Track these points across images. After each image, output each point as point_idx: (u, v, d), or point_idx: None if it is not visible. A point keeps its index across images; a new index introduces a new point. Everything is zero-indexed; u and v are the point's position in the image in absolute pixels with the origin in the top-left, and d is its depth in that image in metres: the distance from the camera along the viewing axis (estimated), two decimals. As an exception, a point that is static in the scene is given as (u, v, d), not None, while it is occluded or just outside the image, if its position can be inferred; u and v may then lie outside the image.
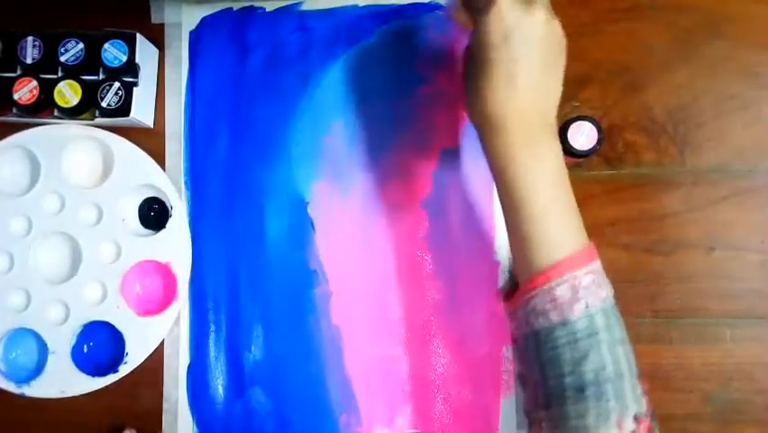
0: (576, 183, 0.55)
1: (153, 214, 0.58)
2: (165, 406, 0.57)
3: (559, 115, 0.55)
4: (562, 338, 0.41)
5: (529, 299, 0.42)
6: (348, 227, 0.56)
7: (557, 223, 0.42)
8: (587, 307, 0.41)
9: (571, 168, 0.55)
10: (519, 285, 0.44)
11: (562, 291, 0.41)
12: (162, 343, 0.57)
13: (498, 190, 0.44)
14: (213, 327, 0.57)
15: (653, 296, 0.54)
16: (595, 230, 0.54)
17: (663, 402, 0.53)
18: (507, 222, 0.44)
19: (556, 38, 0.42)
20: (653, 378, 0.54)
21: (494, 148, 0.43)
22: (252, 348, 0.56)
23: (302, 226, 0.57)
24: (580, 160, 0.52)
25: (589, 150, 0.49)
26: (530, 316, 0.43)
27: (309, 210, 0.57)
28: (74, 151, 0.57)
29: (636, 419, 0.40)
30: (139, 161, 0.57)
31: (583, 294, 0.41)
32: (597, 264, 0.42)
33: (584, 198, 0.54)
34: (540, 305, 0.42)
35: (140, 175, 0.57)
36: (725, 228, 0.54)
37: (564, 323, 0.41)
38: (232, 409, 0.56)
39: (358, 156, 0.57)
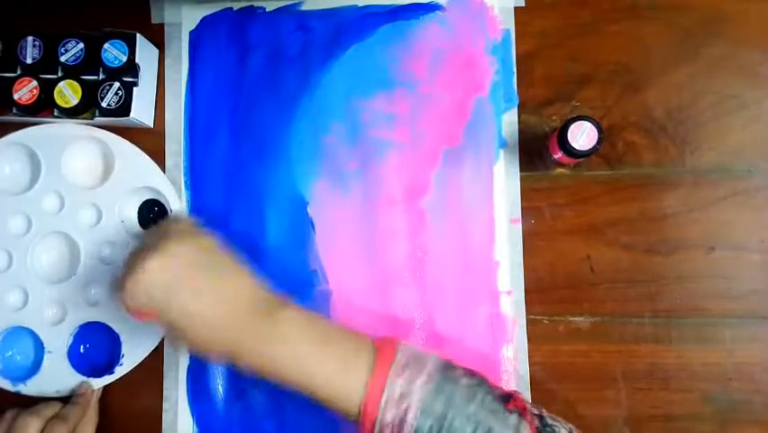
0: (576, 183, 0.55)
1: (153, 216, 0.58)
2: (165, 406, 0.57)
3: (559, 115, 0.56)
4: None
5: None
6: (348, 227, 0.56)
7: (336, 373, 0.43)
8: (418, 404, 0.41)
9: (571, 168, 0.55)
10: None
11: (388, 417, 0.41)
12: (162, 343, 0.57)
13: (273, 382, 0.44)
14: (213, 327, 0.57)
15: (653, 296, 0.54)
16: (595, 230, 0.55)
17: (663, 402, 0.53)
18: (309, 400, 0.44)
19: (188, 254, 0.44)
20: (653, 378, 0.54)
21: (245, 366, 0.44)
22: (252, 348, 0.56)
23: (302, 226, 0.57)
24: (580, 160, 0.52)
25: (589, 150, 0.49)
26: None
27: (309, 210, 0.57)
28: (75, 151, 0.57)
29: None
30: (139, 162, 0.57)
31: (406, 400, 0.41)
32: (397, 360, 0.43)
33: (584, 198, 0.55)
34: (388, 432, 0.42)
35: (140, 177, 0.57)
36: (725, 228, 0.54)
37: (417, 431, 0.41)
38: (232, 410, 0.56)
39: (358, 156, 0.57)
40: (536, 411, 0.43)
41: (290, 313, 0.45)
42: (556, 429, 0.42)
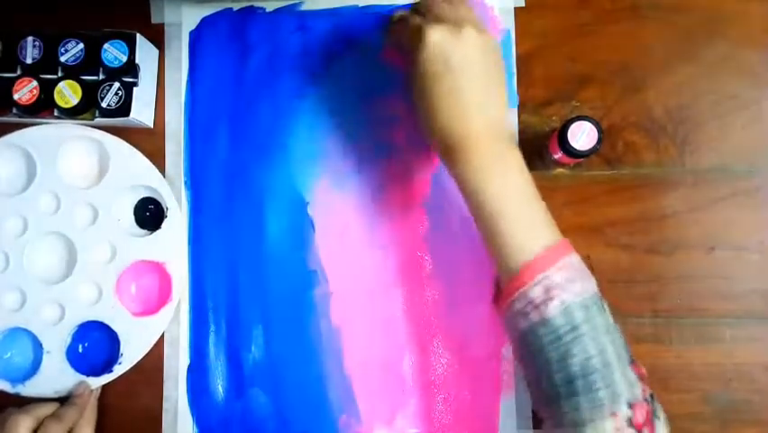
0: (576, 183, 0.55)
1: (149, 214, 0.58)
2: (165, 406, 0.57)
3: (559, 115, 0.56)
4: (546, 337, 0.42)
5: (510, 303, 0.44)
6: (348, 227, 0.56)
7: (525, 228, 0.44)
8: (562, 303, 0.42)
9: (571, 168, 0.55)
10: (503, 291, 0.45)
11: (536, 293, 0.42)
12: (162, 342, 0.57)
13: (466, 204, 0.46)
14: (213, 327, 0.57)
15: (653, 296, 0.54)
16: (595, 230, 0.55)
17: (663, 402, 0.53)
18: (479, 232, 0.46)
19: (491, 50, 0.45)
20: (653, 378, 0.53)
21: (455, 168, 0.45)
22: (252, 348, 0.56)
23: (302, 226, 0.57)
24: (581, 160, 0.52)
25: (589, 150, 0.49)
26: (514, 319, 0.44)
27: (309, 210, 0.57)
28: (70, 150, 0.57)
29: (631, 405, 0.40)
30: (135, 161, 0.57)
31: (557, 292, 0.42)
32: (569, 259, 0.44)
33: (584, 198, 0.55)
34: (520, 308, 0.43)
35: (135, 175, 0.57)
36: (725, 228, 0.54)
37: (544, 322, 0.42)
38: (232, 410, 0.56)
39: (358, 156, 0.57)
40: (649, 390, 0.43)
41: (518, 156, 0.45)
42: (658, 412, 0.43)
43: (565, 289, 0.42)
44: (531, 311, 0.42)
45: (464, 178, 0.44)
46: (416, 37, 0.44)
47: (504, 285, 0.45)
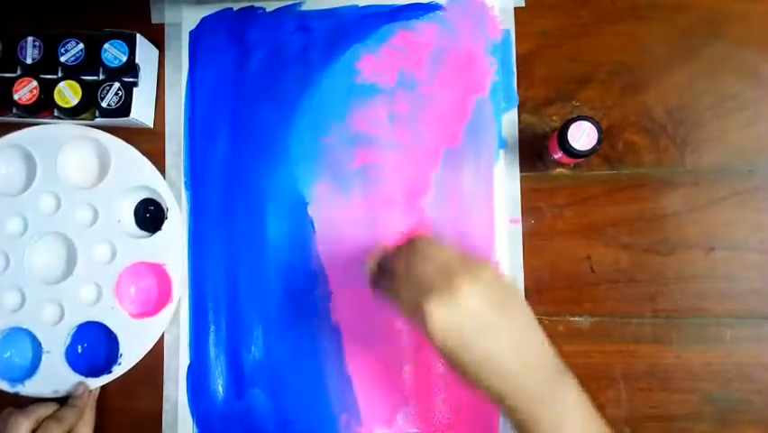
0: (576, 183, 0.55)
1: (149, 215, 0.58)
2: (165, 406, 0.57)
3: (559, 115, 0.56)
4: None
5: None
6: (348, 227, 0.56)
7: None
8: None
9: (571, 168, 0.55)
10: None
11: None
12: (162, 343, 0.57)
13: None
14: (213, 327, 0.57)
15: (653, 296, 0.54)
16: (595, 230, 0.55)
17: (663, 402, 0.53)
18: None
19: (492, 283, 0.41)
20: (652, 378, 0.54)
21: (511, 420, 0.41)
22: (252, 348, 0.56)
23: (302, 227, 0.57)
24: (581, 160, 0.52)
25: (589, 150, 0.49)
26: None
27: (309, 210, 0.57)
28: (70, 151, 0.57)
29: None
30: (135, 162, 0.57)
31: None
32: None
33: (584, 198, 0.55)
34: None
35: (136, 176, 0.57)
36: (725, 228, 0.54)
37: None
38: (232, 410, 0.56)
39: (358, 156, 0.57)
40: None
41: (575, 391, 0.41)
42: None
43: None
44: None
45: (524, 426, 0.40)
46: (415, 313, 0.40)
47: None
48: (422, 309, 0.39)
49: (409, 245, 0.45)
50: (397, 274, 0.44)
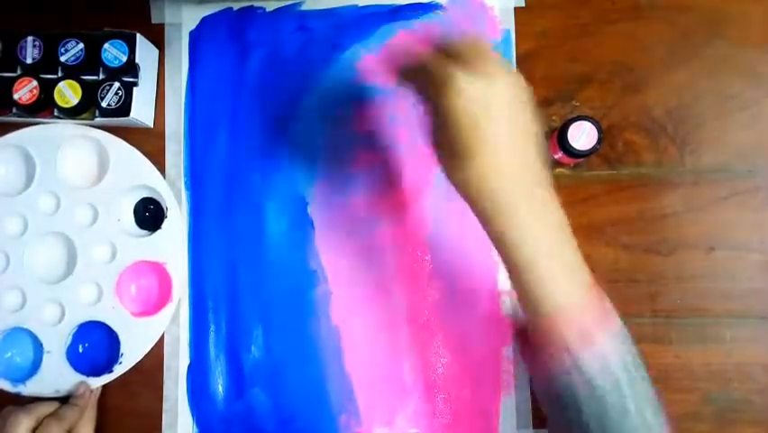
0: (576, 183, 0.55)
1: (149, 214, 0.58)
2: (165, 406, 0.57)
3: (559, 115, 0.56)
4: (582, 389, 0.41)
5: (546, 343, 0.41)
6: (348, 227, 0.56)
7: (561, 269, 0.41)
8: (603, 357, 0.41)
9: (571, 168, 0.55)
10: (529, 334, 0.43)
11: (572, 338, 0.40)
12: (162, 342, 0.57)
13: (498, 248, 0.42)
14: (213, 327, 0.57)
15: (653, 296, 0.54)
16: (595, 230, 0.55)
17: (663, 402, 0.53)
18: (509, 273, 0.43)
19: (521, 90, 0.41)
20: (653, 378, 0.53)
21: (491, 209, 0.42)
22: (252, 348, 0.56)
23: (302, 226, 0.57)
24: (580, 160, 0.52)
25: (589, 150, 0.49)
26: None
27: (309, 210, 0.57)
28: (69, 150, 0.57)
29: None
30: (134, 161, 0.57)
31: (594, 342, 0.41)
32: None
33: (584, 198, 0.55)
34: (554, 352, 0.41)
35: (135, 175, 0.57)
36: (725, 228, 0.54)
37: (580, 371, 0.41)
38: (232, 410, 0.56)
39: (358, 156, 0.57)
40: None
41: (552, 191, 0.43)
42: None
43: (604, 339, 0.41)
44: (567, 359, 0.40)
45: (501, 220, 0.41)
46: (445, 84, 0.40)
47: (528, 328, 0.43)
48: (453, 77, 0.39)
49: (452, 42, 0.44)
50: (434, 48, 0.43)
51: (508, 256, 0.42)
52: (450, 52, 0.41)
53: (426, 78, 0.42)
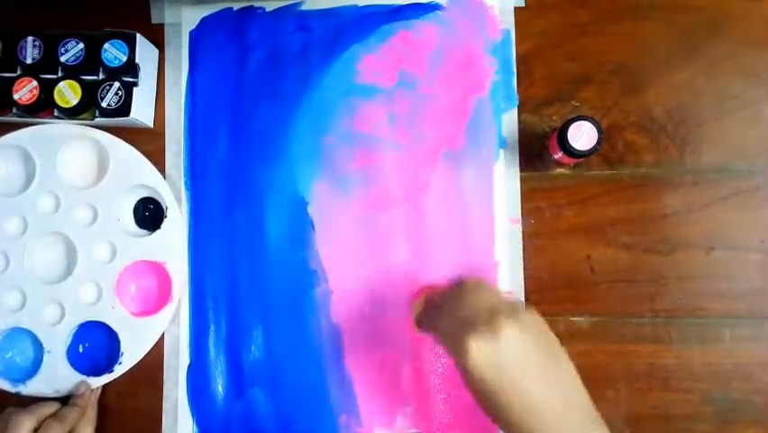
0: (576, 183, 0.55)
1: (148, 214, 0.58)
2: (165, 406, 0.57)
3: (559, 115, 0.56)
4: None
5: None
6: (348, 227, 0.56)
7: None
8: None
9: (571, 168, 0.55)
10: None
11: None
12: (162, 342, 0.57)
13: None
14: (213, 327, 0.57)
15: (653, 296, 0.54)
16: (595, 230, 0.55)
17: (663, 402, 0.53)
18: None
19: (535, 330, 0.42)
20: (653, 378, 0.54)
21: None
22: (252, 348, 0.56)
23: (302, 226, 0.57)
24: (580, 160, 0.52)
25: (589, 150, 0.49)
26: None
27: (309, 210, 0.57)
28: (69, 150, 0.57)
29: None
30: (134, 161, 0.57)
31: None
32: None
33: (584, 198, 0.55)
34: None
35: (135, 175, 0.57)
36: (725, 228, 0.54)
37: None
38: (232, 410, 0.56)
39: (358, 156, 0.57)
40: None
41: (602, 425, 0.41)
42: None
43: None
44: None
45: None
46: (457, 346, 0.41)
47: None
48: (464, 344, 0.40)
49: (459, 284, 0.46)
50: (443, 310, 0.45)
51: None
52: (462, 321, 0.42)
53: (440, 339, 0.44)
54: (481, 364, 0.40)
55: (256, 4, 0.59)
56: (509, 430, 0.41)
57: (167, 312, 0.56)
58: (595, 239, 0.55)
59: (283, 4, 0.58)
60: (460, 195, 0.56)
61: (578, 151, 0.49)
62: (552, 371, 0.41)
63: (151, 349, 0.56)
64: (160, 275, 0.57)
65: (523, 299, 0.55)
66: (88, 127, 0.56)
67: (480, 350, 0.40)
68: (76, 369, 0.56)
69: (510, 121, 0.56)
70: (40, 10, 0.59)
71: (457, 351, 0.41)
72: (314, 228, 0.57)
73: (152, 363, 0.57)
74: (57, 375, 0.56)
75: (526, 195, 0.55)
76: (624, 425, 0.53)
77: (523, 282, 0.55)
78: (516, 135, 0.56)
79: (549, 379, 0.41)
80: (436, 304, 0.47)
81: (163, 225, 0.56)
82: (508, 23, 0.56)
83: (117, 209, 0.57)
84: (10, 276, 0.56)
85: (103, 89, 0.55)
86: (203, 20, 0.59)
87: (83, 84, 0.54)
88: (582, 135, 0.50)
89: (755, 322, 0.53)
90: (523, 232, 0.55)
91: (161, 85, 0.59)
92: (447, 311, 0.44)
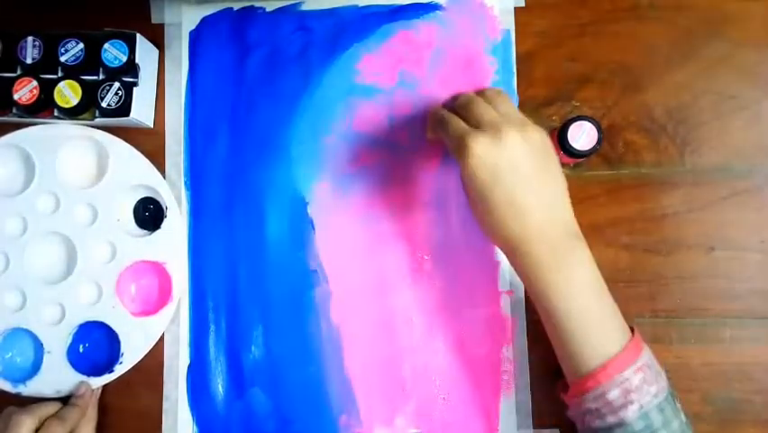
0: (576, 183, 0.55)
1: (148, 214, 0.58)
2: (165, 406, 0.57)
3: (559, 115, 0.56)
4: None
5: (581, 400, 0.43)
6: (348, 227, 0.56)
7: (597, 327, 0.43)
8: (641, 407, 0.41)
9: (571, 168, 0.55)
10: (569, 384, 0.45)
11: (613, 395, 0.41)
12: (162, 342, 0.57)
13: (534, 301, 0.45)
14: (213, 327, 0.57)
15: (653, 296, 0.54)
16: (595, 230, 0.55)
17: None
18: (546, 329, 0.45)
19: (537, 148, 0.44)
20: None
21: (520, 267, 0.45)
22: (252, 348, 0.56)
23: (302, 226, 0.57)
24: (580, 160, 0.52)
25: (589, 150, 0.49)
26: (586, 415, 0.43)
27: (309, 210, 0.57)
28: (69, 150, 0.57)
29: None
30: (134, 160, 0.57)
31: (636, 396, 0.41)
32: (644, 357, 0.43)
33: (584, 198, 0.55)
34: (595, 407, 0.42)
35: (135, 175, 0.57)
36: (725, 228, 0.54)
37: (621, 424, 0.42)
38: (232, 409, 0.56)
39: (358, 156, 0.57)
40: None
41: (585, 250, 0.44)
42: None
43: (643, 391, 0.41)
44: (608, 413, 0.42)
45: (531, 278, 0.44)
46: (459, 146, 0.43)
47: (572, 380, 0.44)
48: (467, 144, 0.43)
49: (479, 91, 0.48)
50: (458, 110, 0.47)
51: (543, 311, 0.44)
52: (462, 109, 0.45)
53: (447, 139, 0.46)
54: (478, 164, 0.42)
55: (256, 4, 0.59)
56: (495, 238, 0.45)
57: (167, 312, 0.56)
58: (595, 239, 0.54)
59: (283, 4, 0.58)
60: (460, 195, 0.56)
61: (578, 151, 0.49)
62: (542, 183, 0.43)
63: (151, 349, 0.56)
64: (160, 275, 0.57)
65: (523, 299, 0.55)
66: (88, 127, 0.56)
67: (479, 149, 0.42)
68: (76, 369, 0.56)
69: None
70: (40, 10, 0.59)
71: (459, 151, 0.43)
72: (314, 228, 0.57)
73: (152, 363, 0.57)
74: (57, 375, 0.56)
75: (526, 195, 0.55)
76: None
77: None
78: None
79: (537, 190, 0.43)
80: (453, 107, 0.48)
81: (163, 225, 0.56)
82: (508, 23, 0.56)
83: (117, 209, 0.57)
84: (10, 276, 0.56)
85: (103, 89, 0.55)
86: (203, 20, 0.59)
87: (83, 84, 0.54)
88: (582, 135, 0.50)
89: (755, 322, 0.53)
90: (523, 232, 0.55)
91: (161, 85, 0.59)
92: (461, 110, 0.47)
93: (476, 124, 0.44)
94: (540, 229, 0.43)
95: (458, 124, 0.45)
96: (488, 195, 0.43)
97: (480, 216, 0.45)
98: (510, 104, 0.47)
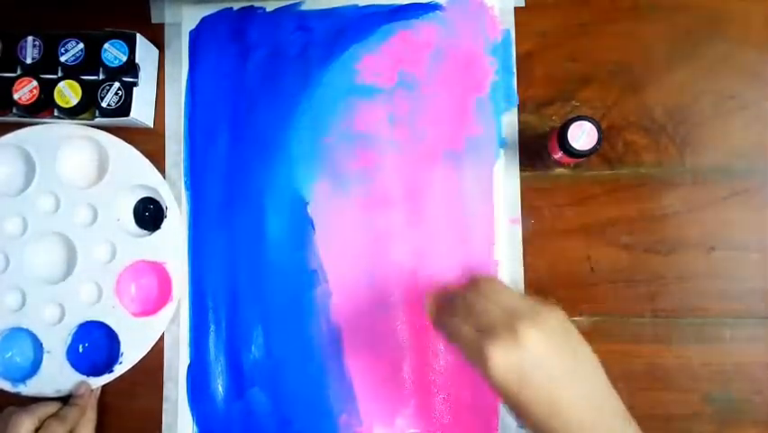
0: (576, 183, 0.55)
1: (148, 214, 0.58)
2: (165, 406, 0.57)
3: (559, 115, 0.56)
4: None
5: None
6: (348, 227, 0.56)
7: None
8: None
9: (571, 168, 0.55)
10: None
11: None
12: (162, 342, 0.57)
13: None
14: (213, 327, 0.57)
15: (653, 296, 0.54)
16: (595, 230, 0.55)
17: (663, 402, 0.53)
18: None
19: (558, 330, 0.40)
20: (653, 378, 0.54)
21: None
22: (252, 348, 0.56)
23: (302, 226, 0.57)
24: (580, 160, 0.52)
25: (589, 150, 0.49)
26: None
27: (309, 210, 0.57)
28: (69, 150, 0.57)
29: None
30: (134, 160, 0.57)
31: None
32: None
33: (584, 198, 0.55)
34: None
35: (135, 175, 0.57)
36: (725, 228, 0.54)
37: None
38: (232, 409, 0.56)
39: (358, 156, 0.57)
40: None
41: (629, 418, 0.41)
42: None
43: None
44: None
45: None
46: (476, 356, 0.39)
47: None
48: (484, 353, 0.38)
49: (473, 285, 0.44)
50: (458, 315, 0.42)
51: None
52: (480, 327, 0.40)
53: (459, 345, 0.41)
54: (504, 375, 0.38)
55: (256, 4, 0.59)
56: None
57: (167, 312, 0.56)
58: (595, 239, 0.55)
59: (283, 4, 0.58)
60: (460, 195, 0.56)
61: (578, 151, 0.49)
62: (578, 374, 0.40)
63: (151, 349, 0.56)
64: (160, 275, 0.57)
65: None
66: (88, 127, 0.56)
67: (501, 359, 0.38)
68: (76, 369, 0.56)
69: (510, 121, 0.56)
70: (40, 10, 0.59)
71: (477, 360, 0.39)
72: (314, 228, 0.57)
73: (152, 364, 0.57)
74: (57, 375, 0.56)
75: (526, 195, 0.55)
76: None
77: (523, 282, 0.55)
78: (516, 135, 0.56)
79: (576, 383, 0.39)
80: (449, 307, 0.44)
81: (163, 225, 0.56)
82: (508, 23, 0.56)
83: (117, 209, 0.57)
84: (10, 276, 0.56)
85: (103, 89, 0.55)
86: (203, 20, 0.59)
87: (83, 84, 0.54)
88: (582, 135, 0.50)
89: (755, 322, 0.53)
90: (523, 232, 0.55)
91: (161, 85, 0.59)
92: (462, 315, 0.42)
93: (485, 327, 0.40)
94: (582, 424, 0.39)
95: (468, 332, 0.41)
96: (521, 400, 0.39)
97: (520, 421, 0.40)
98: (509, 292, 0.43)
